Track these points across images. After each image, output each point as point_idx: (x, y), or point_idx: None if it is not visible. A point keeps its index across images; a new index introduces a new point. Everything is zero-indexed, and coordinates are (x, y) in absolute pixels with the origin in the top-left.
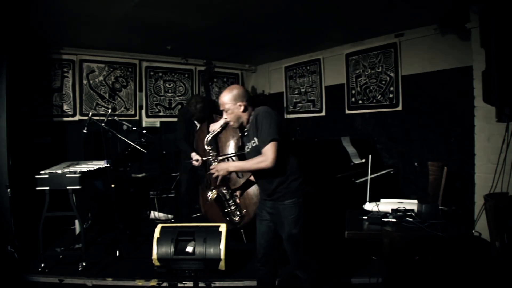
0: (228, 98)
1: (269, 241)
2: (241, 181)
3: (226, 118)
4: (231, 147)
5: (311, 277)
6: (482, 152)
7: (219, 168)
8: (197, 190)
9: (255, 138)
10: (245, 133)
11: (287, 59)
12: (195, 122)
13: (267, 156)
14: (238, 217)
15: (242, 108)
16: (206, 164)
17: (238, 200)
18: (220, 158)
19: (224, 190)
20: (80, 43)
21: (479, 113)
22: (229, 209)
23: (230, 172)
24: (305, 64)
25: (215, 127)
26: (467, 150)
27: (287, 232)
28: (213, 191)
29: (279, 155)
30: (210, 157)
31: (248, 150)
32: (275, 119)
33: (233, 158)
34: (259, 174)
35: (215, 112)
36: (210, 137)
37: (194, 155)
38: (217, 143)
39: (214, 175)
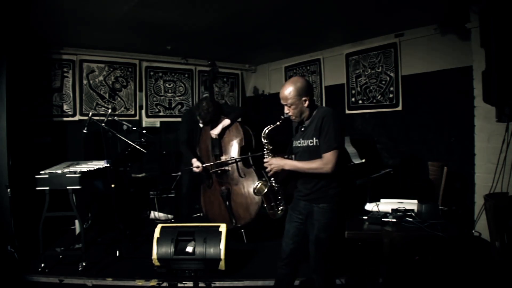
0: (292, 92)
1: (296, 243)
2: (243, 180)
3: (287, 113)
4: (234, 148)
5: (327, 282)
6: (482, 152)
7: (275, 163)
8: (198, 190)
9: (314, 138)
10: (302, 129)
11: (287, 59)
12: (200, 124)
13: (328, 163)
14: (281, 211)
15: (307, 103)
16: (207, 170)
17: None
18: (230, 161)
19: (274, 183)
20: (80, 43)
21: (479, 113)
22: (275, 202)
23: (284, 170)
24: (305, 64)
25: (216, 131)
26: (467, 150)
27: (315, 234)
28: (261, 182)
29: (338, 163)
30: (265, 150)
31: (299, 146)
32: (341, 125)
33: (236, 159)
34: (304, 173)
35: (222, 113)
36: (267, 131)
37: (195, 162)
38: (220, 143)
39: (267, 169)
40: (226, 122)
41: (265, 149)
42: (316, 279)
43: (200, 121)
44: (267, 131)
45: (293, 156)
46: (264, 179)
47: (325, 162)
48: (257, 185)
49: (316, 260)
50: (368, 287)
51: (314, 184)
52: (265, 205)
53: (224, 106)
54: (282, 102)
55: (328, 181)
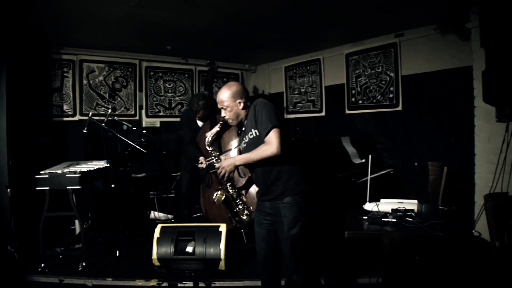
0: (226, 96)
1: (270, 244)
2: (243, 180)
3: (224, 116)
4: (234, 147)
5: (309, 281)
6: (482, 152)
7: (225, 164)
8: (198, 190)
9: (252, 130)
10: (243, 128)
11: (287, 59)
12: (198, 121)
13: (272, 143)
14: (247, 216)
15: (242, 105)
16: (209, 166)
17: (244, 198)
18: (223, 157)
19: (231, 189)
20: (80, 43)
21: (479, 113)
22: (237, 208)
23: (237, 167)
24: (305, 64)
25: (211, 134)
26: (467, 150)
27: (286, 232)
28: (219, 192)
29: (283, 142)
30: (213, 157)
31: (245, 144)
32: (273, 109)
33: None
34: (257, 168)
35: (218, 112)
36: (210, 138)
37: (202, 159)
38: (219, 143)
39: (221, 173)
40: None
41: (212, 157)
42: (297, 279)
43: (197, 118)
44: (209, 138)
45: None
46: (222, 187)
47: (268, 144)
48: (215, 195)
49: (292, 259)
50: (368, 287)
51: (273, 178)
52: (228, 215)
53: None
54: (219, 105)
55: (284, 171)
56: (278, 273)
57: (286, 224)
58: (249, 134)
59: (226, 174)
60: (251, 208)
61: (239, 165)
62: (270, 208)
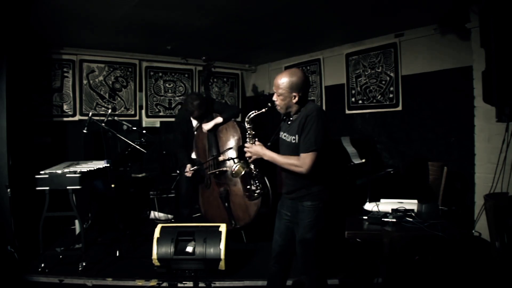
0: (284, 83)
1: (286, 240)
2: (238, 180)
3: (275, 101)
4: (231, 146)
5: (317, 284)
6: (482, 152)
7: (254, 150)
8: (197, 190)
9: (296, 136)
10: (289, 122)
11: (287, 59)
12: (193, 120)
13: (304, 164)
14: (258, 194)
15: (296, 99)
16: (198, 171)
17: (264, 181)
18: (221, 159)
19: (253, 169)
20: (80, 43)
21: (479, 113)
22: (251, 186)
23: (261, 159)
24: (305, 64)
25: (207, 126)
26: (467, 150)
27: (301, 235)
28: (239, 165)
29: (315, 165)
30: (248, 135)
31: (284, 139)
32: (324, 126)
33: (235, 160)
34: (287, 170)
35: (216, 111)
36: (252, 116)
37: (189, 167)
38: (217, 141)
39: (247, 155)
40: (219, 119)
41: (247, 134)
42: (305, 281)
43: (192, 117)
44: (252, 115)
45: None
46: (242, 161)
47: (301, 162)
48: (235, 167)
49: (303, 261)
50: (368, 287)
51: (298, 181)
52: (246, 187)
53: (217, 103)
54: (274, 89)
55: (312, 180)
56: (287, 270)
57: (302, 227)
58: (292, 137)
59: (251, 159)
60: (266, 190)
61: (266, 159)
62: (290, 207)
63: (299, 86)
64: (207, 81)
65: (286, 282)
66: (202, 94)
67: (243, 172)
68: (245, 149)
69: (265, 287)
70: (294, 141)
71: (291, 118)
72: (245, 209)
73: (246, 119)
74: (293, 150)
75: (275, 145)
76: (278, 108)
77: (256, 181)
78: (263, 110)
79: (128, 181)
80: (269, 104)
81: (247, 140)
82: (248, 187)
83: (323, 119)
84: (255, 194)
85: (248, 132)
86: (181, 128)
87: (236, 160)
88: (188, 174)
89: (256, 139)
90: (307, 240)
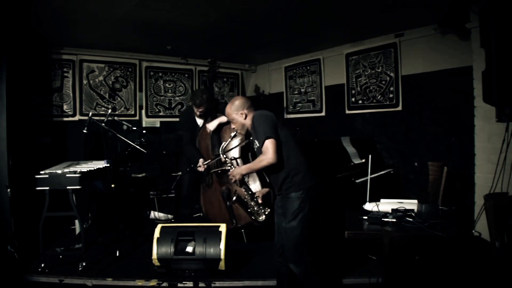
0: (231, 110)
1: (283, 234)
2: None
3: (233, 128)
4: (235, 149)
5: (306, 273)
6: (482, 152)
7: (235, 173)
8: (198, 189)
9: (256, 141)
10: (250, 138)
11: (287, 59)
12: (197, 120)
13: (267, 153)
14: (264, 216)
15: (244, 116)
16: (209, 168)
17: (260, 200)
18: (228, 162)
19: (244, 192)
20: (80, 43)
21: (479, 113)
22: (251, 209)
23: (243, 175)
24: (305, 64)
25: (212, 126)
26: (467, 150)
27: (287, 223)
28: (235, 195)
29: (279, 150)
30: (228, 164)
31: (256, 152)
32: (267, 119)
33: (238, 161)
34: (268, 172)
35: (219, 111)
36: (224, 146)
37: (201, 161)
38: (220, 141)
39: (232, 181)
40: (223, 118)
41: (226, 163)
42: (294, 270)
43: (197, 115)
44: (223, 146)
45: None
46: (241, 187)
47: (264, 154)
48: (233, 198)
49: (288, 249)
50: (368, 287)
51: (280, 179)
52: (248, 211)
53: (221, 104)
54: (228, 119)
55: (288, 171)
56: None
57: (287, 217)
58: (255, 145)
59: (237, 181)
60: (268, 210)
61: (245, 174)
62: (280, 202)
63: (241, 105)
64: (211, 83)
65: (292, 273)
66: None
67: (234, 198)
68: (230, 177)
69: (265, 287)
70: (257, 146)
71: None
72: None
73: (220, 151)
74: (260, 153)
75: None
76: (238, 131)
77: (252, 203)
78: (229, 139)
79: (128, 181)
80: (231, 134)
81: (229, 168)
82: (249, 210)
83: (263, 115)
84: (260, 218)
85: (226, 161)
86: (188, 126)
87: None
88: (201, 169)
89: (233, 164)
90: (292, 227)
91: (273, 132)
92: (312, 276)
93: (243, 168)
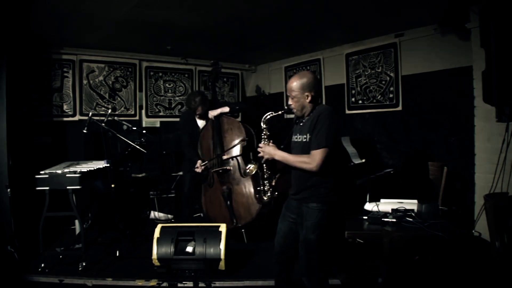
0: (296, 85)
1: (287, 241)
2: (244, 180)
3: (290, 104)
4: (236, 147)
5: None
6: (482, 152)
7: (267, 151)
8: (199, 190)
9: (308, 135)
10: (301, 124)
11: (287, 59)
12: (198, 120)
13: (315, 161)
14: (267, 198)
15: (309, 98)
16: (207, 169)
17: (273, 183)
18: (225, 157)
19: (265, 170)
20: (80, 43)
21: (479, 113)
22: (261, 188)
23: (273, 159)
24: (305, 64)
25: (214, 113)
26: (467, 150)
27: (304, 236)
28: (252, 166)
29: (326, 163)
30: (263, 135)
31: (295, 141)
32: (335, 125)
33: (238, 159)
34: (296, 169)
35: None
36: (268, 116)
37: (199, 163)
38: (222, 141)
39: (259, 155)
40: (225, 109)
41: (262, 135)
42: (306, 282)
43: (197, 116)
44: (268, 117)
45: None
46: (257, 163)
47: (312, 159)
48: (249, 166)
49: (305, 262)
50: (367, 287)
51: (306, 181)
52: (257, 189)
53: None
54: (287, 93)
55: (320, 179)
56: (288, 270)
57: (306, 229)
58: (303, 137)
59: (263, 159)
60: (276, 193)
61: (277, 160)
62: (296, 208)
63: (310, 86)
64: (214, 83)
65: (290, 282)
66: (201, 91)
67: (253, 172)
68: (258, 149)
69: (265, 287)
70: (305, 140)
71: (303, 120)
72: (247, 208)
73: (263, 120)
74: (304, 149)
75: (287, 149)
76: (294, 110)
77: (266, 182)
78: (280, 112)
79: (128, 181)
80: (285, 107)
81: (262, 140)
82: (259, 188)
83: (335, 119)
84: (265, 198)
85: (263, 133)
86: (187, 128)
87: (253, 161)
88: (199, 170)
89: (271, 141)
90: (310, 241)
91: (332, 141)
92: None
93: (278, 154)
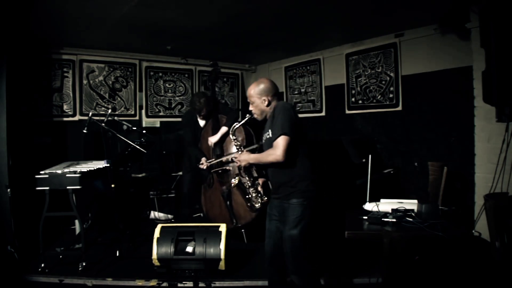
0: (254, 91)
1: (276, 241)
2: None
3: (251, 110)
4: (235, 147)
5: (308, 283)
6: (482, 152)
7: (241, 159)
8: (199, 190)
9: (269, 130)
10: (266, 124)
11: (287, 59)
12: (199, 121)
13: (277, 149)
14: (259, 204)
15: (266, 102)
16: (211, 167)
17: (259, 188)
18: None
19: (246, 178)
20: (80, 43)
21: (479, 113)
22: (250, 196)
23: (249, 163)
24: (305, 64)
25: (214, 139)
26: (467, 150)
27: (286, 231)
28: (236, 178)
29: (289, 150)
30: (237, 146)
31: (263, 142)
32: (291, 115)
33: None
34: (272, 170)
35: (220, 112)
36: (235, 127)
37: (204, 160)
38: (222, 146)
39: (237, 165)
40: (224, 129)
41: (235, 145)
42: (295, 281)
43: (200, 117)
44: (236, 127)
45: None
46: (240, 174)
47: (274, 148)
48: (233, 180)
49: (291, 259)
50: (368, 287)
51: (281, 176)
52: (246, 197)
53: (221, 105)
54: (248, 99)
55: (295, 174)
56: (282, 270)
57: (288, 224)
58: (266, 134)
59: (242, 167)
60: (266, 198)
61: (252, 163)
62: (278, 207)
63: (266, 91)
64: (213, 84)
65: (284, 283)
66: (206, 92)
67: (237, 182)
68: (234, 159)
69: (265, 287)
70: (269, 136)
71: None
72: (247, 208)
73: (231, 131)
74: (270, 144)
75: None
76: (255, 116)
77: (252, 189)
78: (243, 121)
79: (128, 181)
80: (247, 114)
81: (237, 150)
82: (248, 196)
83: (289, 110)
84: (257, 205)
85: (235, 143)
86: (189, 128)
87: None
88: (203, 167)
89: (243, 148)
90: (293, 236)
91: (291, 129)
92: (313, 285)
93: (251, 157)
